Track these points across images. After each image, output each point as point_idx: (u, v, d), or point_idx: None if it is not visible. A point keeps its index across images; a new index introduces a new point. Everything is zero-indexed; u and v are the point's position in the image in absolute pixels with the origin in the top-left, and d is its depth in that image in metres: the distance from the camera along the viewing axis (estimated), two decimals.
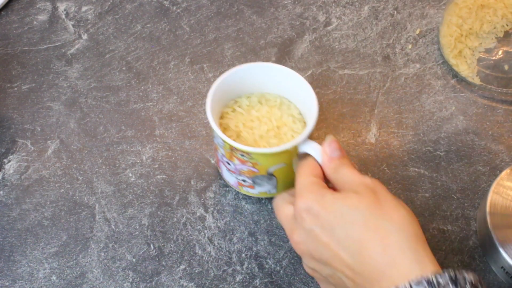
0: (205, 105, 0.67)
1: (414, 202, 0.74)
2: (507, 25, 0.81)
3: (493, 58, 0.82)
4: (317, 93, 0.81)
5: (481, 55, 0.82)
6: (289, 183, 0.71)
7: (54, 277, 0.69)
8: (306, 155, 0.64)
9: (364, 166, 0.76)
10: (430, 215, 0.73)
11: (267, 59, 0.84)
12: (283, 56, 0.84)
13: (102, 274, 0.69)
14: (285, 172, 0.69)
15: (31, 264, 0.70)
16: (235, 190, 0.73)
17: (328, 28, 0.87)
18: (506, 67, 0.82)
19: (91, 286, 0.68)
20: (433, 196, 0.74)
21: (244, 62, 0.83)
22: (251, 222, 0.72)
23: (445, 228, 0.72)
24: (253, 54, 0.85)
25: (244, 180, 0.70)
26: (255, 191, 0.71)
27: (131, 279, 0.69)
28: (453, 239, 0.71)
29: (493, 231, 0.68)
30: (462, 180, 0.75)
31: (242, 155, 0.66)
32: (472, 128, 0.79)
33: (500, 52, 0.82)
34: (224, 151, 0.67)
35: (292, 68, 0.83)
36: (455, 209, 0.73)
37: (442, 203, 0.74)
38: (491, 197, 0.70)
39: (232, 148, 0.65)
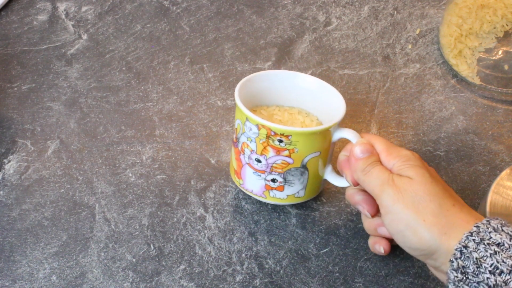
0: (235, 97, 0.66)
1: None
2: (507, 25, 0.81)
3: (493, 58, 0.82)
4: None
5: (481, 55, 0.82)
6: (317, 184, 0.72)
7: (54, 277, 0.69)
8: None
9: None
10: None
11: (267, 59, 0.84)
12: (283, 56, 0.85)
13: (102, 274, 0.69)
14: (317, 165, 0.69)
15: (31, 264, 0.70)
16: (235, 190, 0.73)
17: (328, 28, 0.87)
18: (506, 67, 0.82)
19: (91, 286, 0.68)
20: None
21: (244, 62, 0.84)
22: (251, 222, 0.72)
23: None
24: (253, 54, 0.85)
25: (273, 180, 0.69)
26: (283, 195, 0.71)
27: (131, 279, 0.69)
28: None
29: None
30: (462, 180, 0.75)
31: (280, 141, 0.65)
32: (472, 128, 0.79)
33: (500, 52, 0.82)
34: (257, 143, 0.67)
35: (292, 68, 0.83)
36: None
37: None
38: (491, 197, 0.70)
39: (270, 135, 0.65)
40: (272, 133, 0.65)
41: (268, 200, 0.71)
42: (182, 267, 0.70)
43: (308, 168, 0.69)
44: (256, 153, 0.68)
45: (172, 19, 0.88)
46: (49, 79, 0.83)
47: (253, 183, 0.70)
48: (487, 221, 0.55)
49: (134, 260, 0.70)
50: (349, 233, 0.71)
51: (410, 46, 0.86)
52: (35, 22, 0.88)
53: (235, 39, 0.86)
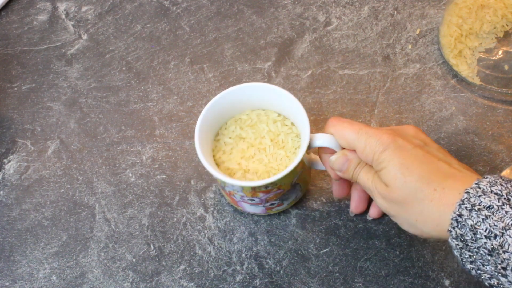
0: (205, 167, 0.64)
1: None
2: (507, 25, 0.81)
3: (493, 58, 0.82)
4: (317, 93, 0.81)
5: (481, 55, 0.82)
6: (307, 178, 0.73)
7: (54, 277, 0.69)
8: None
9: None
10: None
11: (267, 59, 0.84)
12: (283, 56, 0.84)
13: (102, 274, 0.69)
14: (304, 173, 0.70)
15: (31, 264, 0.70)
16: None
17: (328, 28, 0.87)
18: (506, 67, 0.81)
19: (91, 286, 0.68)
20: None
21: (244, 62, 0.84)
22: (251, 222, 0.72)
23: None
24: (253, 54, 0.85)
25: (272, 204, 0.69)
26: (284, 206, 0.71)
27: (131, 279, 0.69)
28: None
29: None
30: None
31: (266, 187, 0.65)
32: (472, 128, 0.79)
33: (500, 52, 0.82)
34: (245, 193, 0.66)
35: (292, 68, 0.83)
36: None
37: None
38: None
39: (255, 188, 0.64)
40: (256, 187, 0.64)
41: (273, 213, 0.72)
42: (182, 267, 0.70)
43: (299, 182, 0.69)
44: (246, 196, 0.67)
45: (172, 19, 0.88)
46: (49, 79, 0.83)
47: (253, 210, 0.71)
48: (476, 184, 0.54)
49: (134, 260, 0.70)
50: (349, 233, 0.71)
51: (410, 46, 0.86)
52: (35, 22, 0.88)
53: (235, 39, 0.86)
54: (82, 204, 0.73)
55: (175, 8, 0.89)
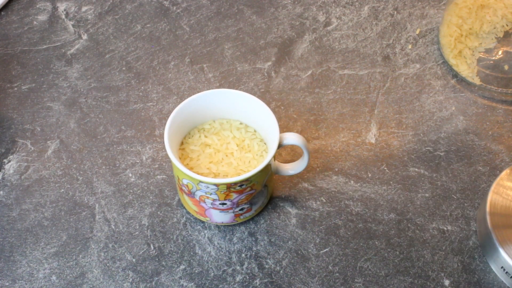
0: (182, 170, 0.65)
1: (414, 202, 0.74)
2: (507, 25, 0.81)
3: (493, 58, 0.82)
4: (317, 93, 0.82)
5: (481, 55, 0.82)
6: (273, 184, 0.74)
7: (54, 277, 0.69)
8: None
9: (364, 166, 0.77)
10: (430, 215, 0.73)
11: (267, 59, 0.84)
12: (283, 56, 0.85)
13: (102, 274, 0.69)
14: (271, 177, 0.71)
15: (31, 264, 0.70)
16: None
17: (328, 28, 0.87)
18: (506, 67, 0.81)
19: (91, 286, 0.68)
20: (433, 196, 0.74)
21: (244, 62, 0.84)
22: (251, 222, 0.72)
23: (445, 228, 0.72)
24: (253, 54, 0.85)
25: (242, 209, 0.70)
26: (252, 212, 0.72)
27: (131, 279, 0.69)
28: (453, 239, 0.71)
29: (493, 231, 0.68)
30: (462, 180, 0.75)
31: (242, 185, 0.66)
32: (472, 128, 0.79)
33: (500, 52, 0.82)
34: (218, 194, 0.66)
35: (292, 68, 0.83)
36: (455, 209, 0.73)
37: (442, 203, 0.74)
38: (491, 197, 0.70)
39: (231, 185, 0.65)
40: (233, 184, 0.65)
41: (240, 221, 0.72)
42: (182, 267, 0.70)
43: (267, 184, 0.70)
44: (219, 200, 0.67)
45: (172, 19, 0.88)
46: (49, 79, 0.83)
47: (221, 217, 0.71)
48: None
49: (134, 260, 0.70)
50: (349, 233, 0.72)
51: (410, 46, 0.86)
52: (35, 22, 0.88)
53: (235, 39, 0.86)
54: (82, 204, 0.73)
55: (175, 8, 0.89)
